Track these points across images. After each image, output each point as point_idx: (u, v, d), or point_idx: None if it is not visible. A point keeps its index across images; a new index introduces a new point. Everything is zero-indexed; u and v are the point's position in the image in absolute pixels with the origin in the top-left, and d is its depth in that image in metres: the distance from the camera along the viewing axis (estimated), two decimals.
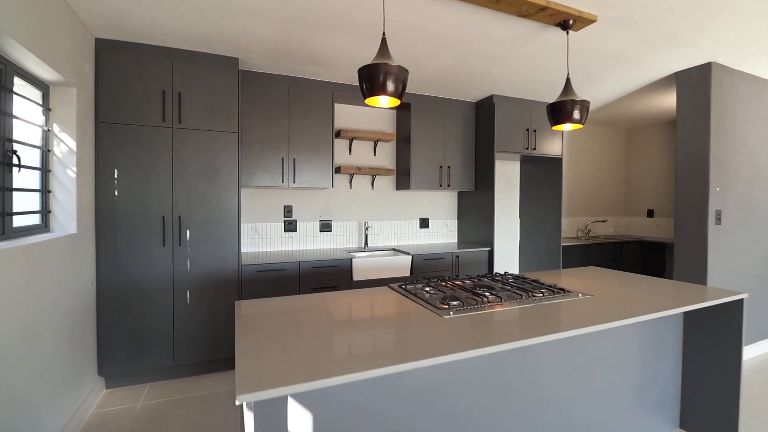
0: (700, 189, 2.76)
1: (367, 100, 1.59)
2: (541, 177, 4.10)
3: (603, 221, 4.75)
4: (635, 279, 2.12)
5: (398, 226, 3.78)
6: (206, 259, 2.55)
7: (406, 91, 3.47)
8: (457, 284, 1.88)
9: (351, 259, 2.98)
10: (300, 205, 3.37)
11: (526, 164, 4.29)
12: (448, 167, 3.63)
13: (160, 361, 2.47)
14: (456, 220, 4.07)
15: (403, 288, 1.83)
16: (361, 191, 3.60)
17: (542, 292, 1.72)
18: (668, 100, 3.76)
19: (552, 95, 3.55)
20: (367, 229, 3.50)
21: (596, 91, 3.46)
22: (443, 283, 1.93)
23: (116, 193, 2.35)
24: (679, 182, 2.89)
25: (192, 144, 2.51)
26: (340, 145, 3.50)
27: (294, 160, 3.00)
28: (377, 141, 3.58)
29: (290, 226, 3.32)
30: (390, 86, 1.50)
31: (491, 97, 3.58)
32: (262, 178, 2.91)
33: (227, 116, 2.60)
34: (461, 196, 4.01)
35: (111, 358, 2.36)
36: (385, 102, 1.63)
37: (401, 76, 1.51)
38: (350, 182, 3.55)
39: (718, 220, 2.76)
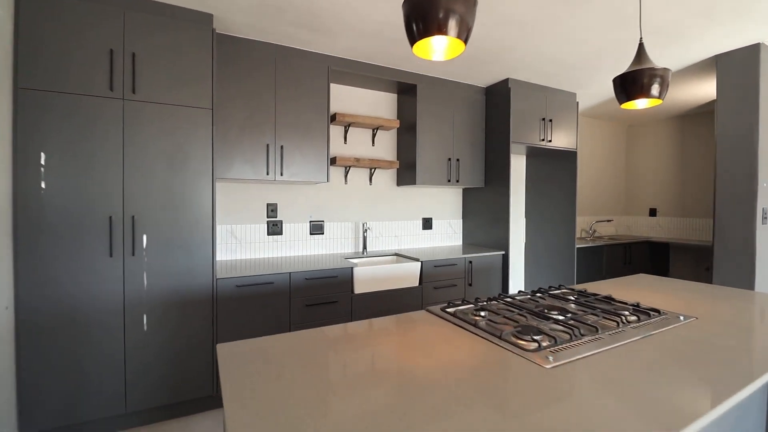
0: (747, 184, 2.46)
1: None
2: (552, 172, 3.75)
3: (609, 221, 4.49)
4: (708, 289, 1.75)
5: (399, 227, 3.30)
6: (170, 272, 1.97)
7: (412, 72, 3.00)
8: (511, 304, 1.42)
9: (352, 269, 2.48)
10: (287, 202, 2.82)
11: (534, 158, 3.93)
12: (457, 160, 3.19)
13: (107, 410, 1.87)
14: (461, 220, 3.64)
15: (448, 313, 1.36)
16: (357, 187, 3.10)
17: (635, 316, 1.30)
18: (677, 93, 3.51)
19: (572, 81, 3.20)
20: (365, 231, 3.00)
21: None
22: (493, 303, 1.48)
23: (43, 185, 1.73)
24: (720, 177, 2.59)
25: (151, 122, 1.92)
26: (334, 132, 2.98)
27: (282, 147, 2.46)
28: (377, 129, 3.09)
29: (275, 229, 2.77)
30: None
31: (506, 81, 3.18)
32: (242, 169, 2.35)
33: (198, 88, 2.03)
34: (467, 193, 3.59)
35: (37, 411, 1.74)
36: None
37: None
38: (345, 176, 3.04)
39: (765, 218, 2.48)
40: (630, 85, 1.66)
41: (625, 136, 5.09)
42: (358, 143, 3.08)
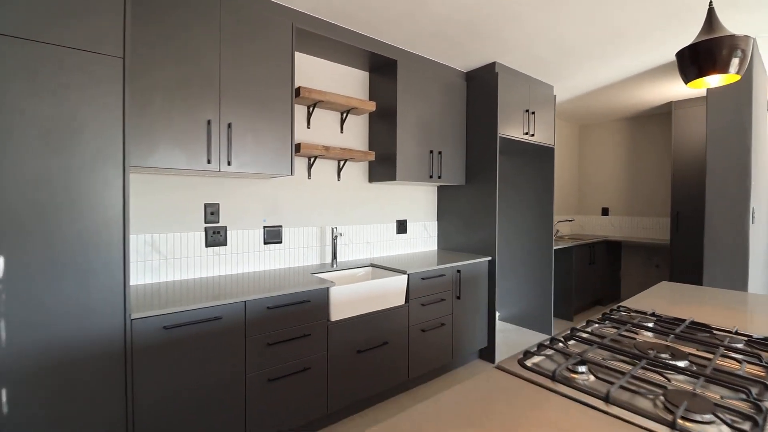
0: (739, 183, 2.39)
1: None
2: (527, 170, 3.52)
3: (570, 221, 4.44)
4: (749, 298, 1.52)
5: (372, 231, 2.77)
6: (47, 314, 1.22)
7: (391, 44, 2.50)
8: (601, 344, 1.00)
9: (328, 289, 1.89)
10: (233, 203, 2.13)
11: (508, 155, 3.67)
12: (439, 153, 2.76)
13: None
14: (436, 222, 3.23)
15: (539, 372, 0.88)
16: (324, 183, 2.50)
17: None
18: (631, 95, 3.51)
19: (555, 72, 2.96)
20: (335, 237, 2.42)
21: (603, 67, 2.96)
22: (572, 343, 1.04)
23: None
24: (710, 176, 2.51)
25: (15, 71, 1.16)
26: (295, 113, 2.35)
27: (229, 127, 1.79)
28: (347, 112, 2.52)
29: (216, 238, 2.07)
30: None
31: (492, 65, 2.83)
32: (171, 155, 1.64)
33: (98, 23, 1.30)
34: (442, 191, 3.19)
35: None
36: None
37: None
38: (309, 169, 2.42)
39: (752, 217, 2.43)
40: (704, 57, 1.34)
41: (578, 137, 5.14)
42: (324, 129, 2.49)
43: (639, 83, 3.29)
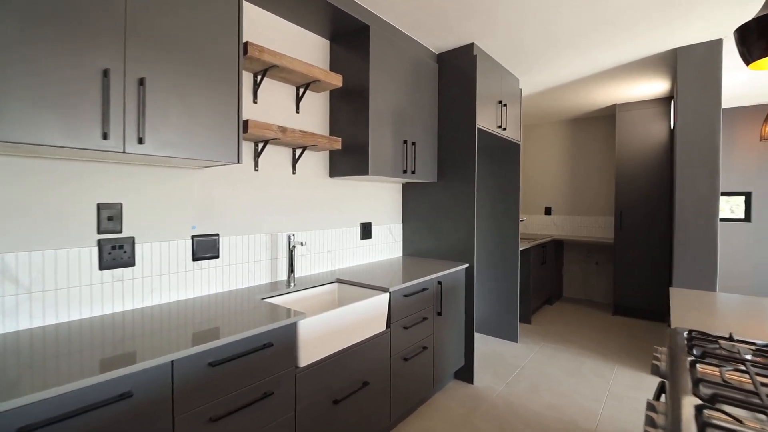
0: (709, 182, 2.40)
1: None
2: (492, 167, 3.30)
3: (522, 220, 4.39)
4: None
5: (333, 237, 2.26)
6: None
7: (364, 7, 2.02)
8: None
9: (296, 324, 1.36)
10: (143, 202, 1.45)
11: None
12: (413, 144, 2.35)
13: None
14: (401, 225, 2.82)
15: None
16: (275, 177, 1.92)
17: None
18: (574, 97, 3.54)
19: (526, 63, 2.75)
20: (293, 247, 1.85)
21: (576, 60, 2.83)
22: (707, 367, 0.70)
23: None
24: (680, 175, 2.49)
25: None
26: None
27: (141, 83, 1.15)
28: (306, 87, 1.97)
29: (118, 255, 1.38)
30: None
31: (470, 47, 2.50)
32: (36, 123, 0.96)
33: None
34: (409, 190, 2.79)
35: None
36: None
37: None
38: (256, 158, 1.83)
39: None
40: None
41: (522, 137, 5.17)
42: (276, 107, 1.91)
43: (593, 83, 3.27)
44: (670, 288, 1.79)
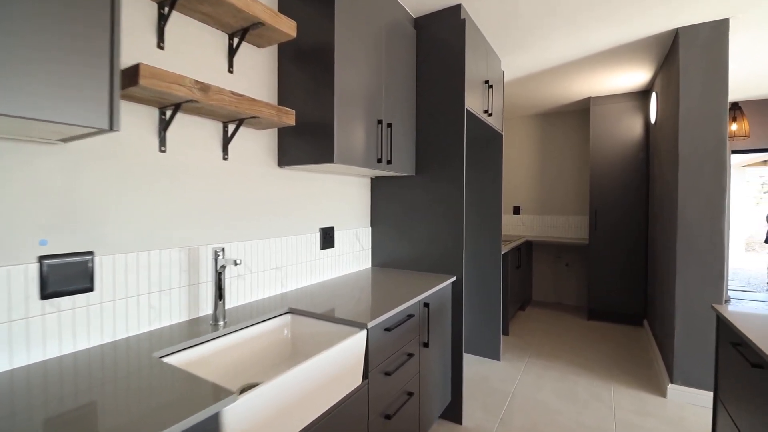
0: (716, 177, 2.14)
1: None
2: (472, 160, 2.89)
3: None
4: None
5: (284, 249, 1.66)
6: None
7: None
8: None
9: (218, 415, 0.77)
10: None
11: None
12: (389, 126, 1.83)
13: None
14: (369, 229, 2.29)
15: None
16: (194, 163, 1.30)
17: None
18: (545, 88, 3.28)
19: (513, 39, 2.35)
20: (221, 267, 1.24)
21: (565, 40, 2.48)
22: None
23: None
24: (684, 169, 2.22)
25: None
26: (134, 9, 1.10)
27: None
28: (242, 34, 1.36)
29: None
30: None
31: (456, 9, 2.03)
32: None
33: None
34: (379, 186, 2.26)
35: None
36: None
37: None
38: (162, 131, 1.19)
39: None
40: None
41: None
42: (197, 58, 1.29)
43: (574, 71, 2.98)
44: (714, 306, 1.44)
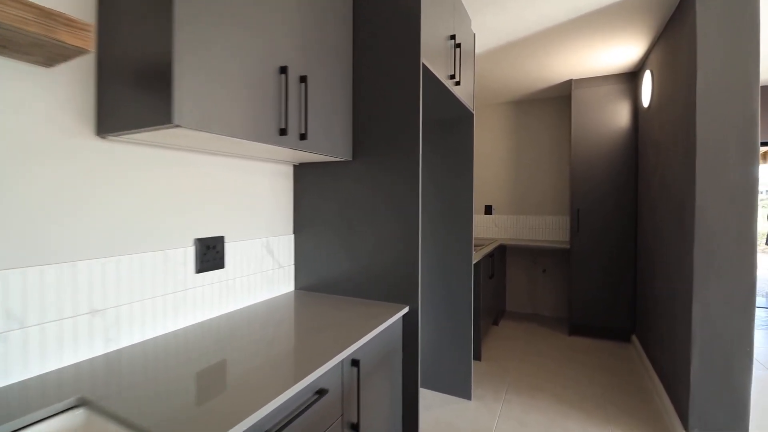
0: (745, 167, 1.65)
1: None
2: (433, 146, 2.30)
3: None
4: None
5: (111, 275, 0.99)
6: None
7: None
8: None
9: None
10: None
11: None
12: (302, 80, 1.18)
13: None
14: (292, 238, 1.64)
15: None
16: None
17: None
18: (539, 61, 2.76)
19: None
20: None
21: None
22: None
23: None
24: (702, 157, 1.72)
25: None
26: None
27: None
28: None
29: None
30: None
31: None
32: None
33: None
34: (306, 177, 1.62)
35: None
36: None
37: None
38: None
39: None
40: None
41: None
42: None
43: (556, 43, 2.46)
44: None
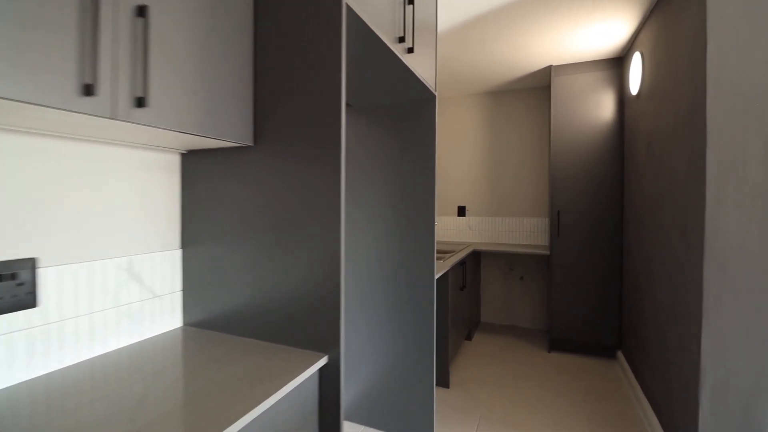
0: (764, 163, 1.31)
1: None
2: (385, 136, 1.89)
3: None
4: None
5: None
6: None
7: None
8: None
9: None
10: None
11: (349, 92, 1.96)
12: (140, 12, 0.74)
13: None
14: (179, 254, 1.19)
15: None
16: None
17: None
18: (513, 47, 2.40)
19: None
20: None
21: None
22: None
23: None
24: (714, 150, 1.37)
25: None
26: None
27: None
28: None
29: None
30: None
31: None
32: None
33: None
34: (198, 171, 1.17)
35: None
36: None
37: None
38: None
39: None
40: None
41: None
42: None
43: (535, 23, 2.09)
44: None
